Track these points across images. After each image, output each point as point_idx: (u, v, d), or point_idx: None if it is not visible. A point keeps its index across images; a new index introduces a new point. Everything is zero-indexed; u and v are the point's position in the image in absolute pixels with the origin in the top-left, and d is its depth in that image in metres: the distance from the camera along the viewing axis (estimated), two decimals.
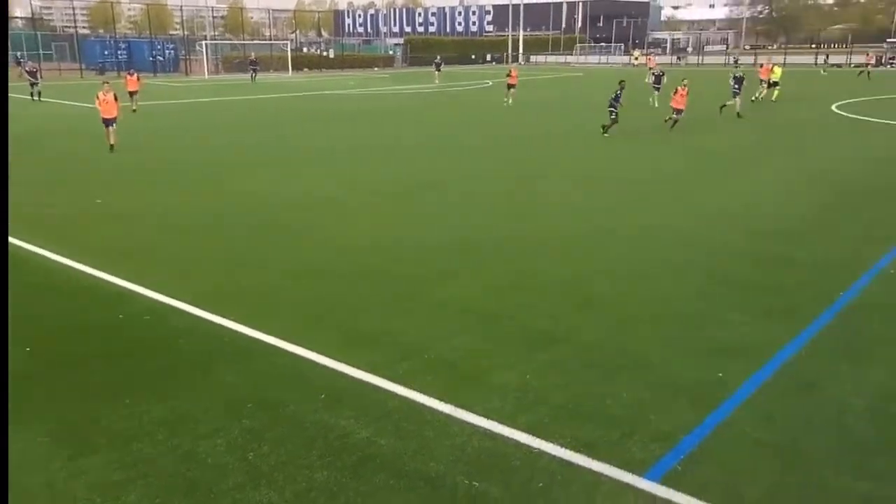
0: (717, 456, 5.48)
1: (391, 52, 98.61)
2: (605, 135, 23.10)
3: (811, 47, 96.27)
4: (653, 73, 34.81)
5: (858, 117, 28.32)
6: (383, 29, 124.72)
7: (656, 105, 30.61)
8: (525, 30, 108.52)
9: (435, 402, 6.22)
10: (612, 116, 23.15)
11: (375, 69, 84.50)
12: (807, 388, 6.53)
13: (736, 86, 28.02)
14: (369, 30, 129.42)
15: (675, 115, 24.27)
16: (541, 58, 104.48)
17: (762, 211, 13.35)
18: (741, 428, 5.86)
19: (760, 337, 7.62)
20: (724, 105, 28.61)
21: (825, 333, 7.71)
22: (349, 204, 14.21)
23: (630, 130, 23.76)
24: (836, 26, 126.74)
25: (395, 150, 21.48)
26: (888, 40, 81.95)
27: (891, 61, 71.34)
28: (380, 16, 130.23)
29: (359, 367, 6.86)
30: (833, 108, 31.79)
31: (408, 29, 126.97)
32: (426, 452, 5.50)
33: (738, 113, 27.88)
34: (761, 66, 36.39)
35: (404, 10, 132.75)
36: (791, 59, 78.71)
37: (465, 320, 8.15)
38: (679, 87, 24.22)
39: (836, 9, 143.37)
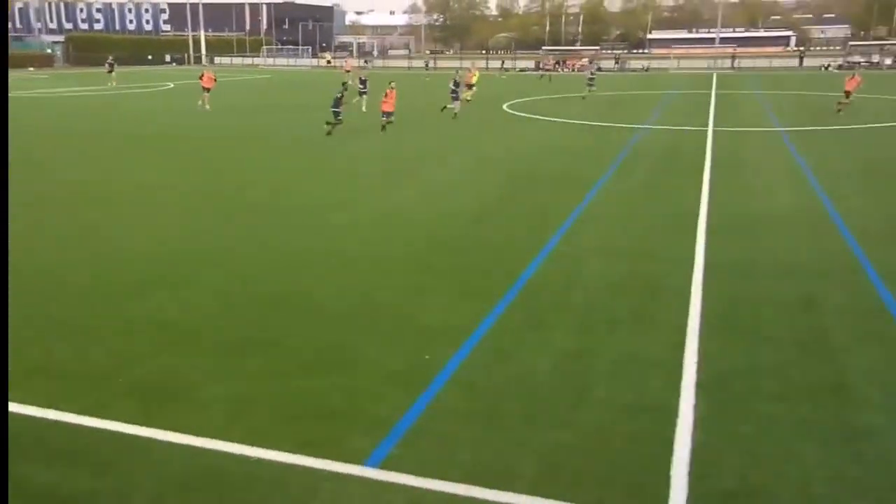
0: (430, 432, 5.79)
1: (50, 51, 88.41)
2: (329, 134, 23.44)
3: (482, 53, 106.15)
4: (360, 78, 34.74)
5: (524, 115, 31.74)
6: (36, 24, 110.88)
7: (364, 109, 31.08)
8: (207, 30, 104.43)
9: (134, 429, 5.74)
10: (338, 117, 23.78)
11: (31, 69, 75.03)
12: (502, 358, 7.17)
13: (455, 89, 30.11)
14: (18, 25, 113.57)
15: (385, 119, 25.08)
16: (226, 59, 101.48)
17: (451, 200, 14.37)
18: (449, 402, 6.26)
19: (460, 316, 8.20)
20: (445, 107, 30.43)
21: (512, 308, 8.53)
22: None
23: (347, 130, 24.09)
24: (502, 34, 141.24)
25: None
26: (543, 48, 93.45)
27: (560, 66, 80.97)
28: (31, 9, 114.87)
29: (37, 405, 6.07)
30: (504, 107, 35.26)
31: (68, 25, 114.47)
32: (128, 485, 5.04)
33: (455, 114, 29.72)
34: (467, 70, 38.97)
35: (62, 5, 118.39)
36: (467, 63, 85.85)
37: (162, 337, 7.64)
38: (388, 90, 25.21)
39: (500, 19, 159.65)
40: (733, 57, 74.74)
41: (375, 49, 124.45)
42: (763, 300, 8.64)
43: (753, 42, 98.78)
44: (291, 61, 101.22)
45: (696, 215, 12.78)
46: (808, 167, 17.40)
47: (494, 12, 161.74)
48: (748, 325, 7.92)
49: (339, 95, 24.02)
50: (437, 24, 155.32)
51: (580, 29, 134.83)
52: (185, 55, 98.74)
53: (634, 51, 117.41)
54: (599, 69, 62.47)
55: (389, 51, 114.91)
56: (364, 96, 32.49)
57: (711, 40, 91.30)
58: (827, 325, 7.86)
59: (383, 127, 25.01)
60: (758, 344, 7.41)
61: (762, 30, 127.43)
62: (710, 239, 11.27)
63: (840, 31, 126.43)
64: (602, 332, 7.78)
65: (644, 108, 33.96)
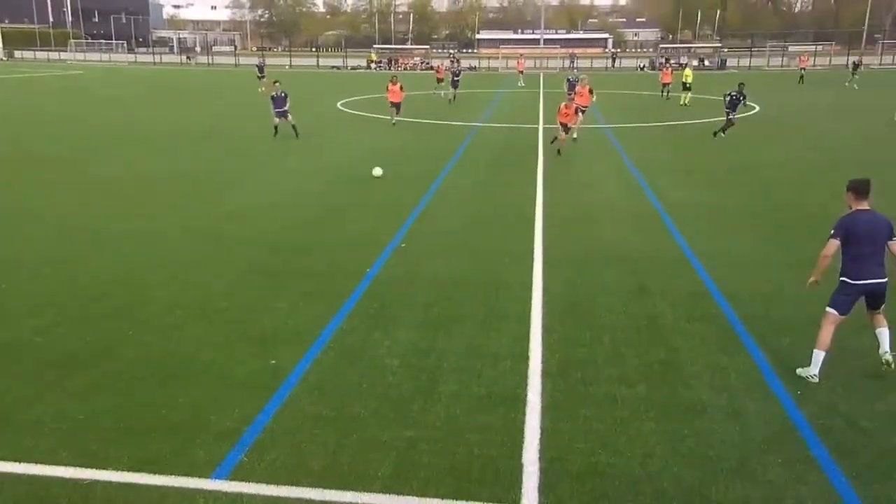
0: (281, 439, 5.56)
1: None
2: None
3: (311, 51, 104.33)
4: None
5: (359, 113, 31.57)
6: None
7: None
8: (2, 20, 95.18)
9: None
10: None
11: None
12: (351, 358, 7.04)
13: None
14: None
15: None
16: (28, 53, 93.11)
17: (290, 203, 13.98)
18: (299, 407, 6.05)
19: (305, 319, 7.96)
20: None
21: (359, 307, 8.40)
22: None
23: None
24: (331, 32, 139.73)
25: None
26: (374, 46, 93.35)
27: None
28: None
29: None
30: (338, 105, 34.90)
31: None
32: None
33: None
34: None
35: None
36: (297, 61, 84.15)
37: None
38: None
39: (328, 16, 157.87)
40: (572, 57, 78.23)
41: (198, 45, 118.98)
42: (600, 289, 9.08)
43: (574, 43, 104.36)
44: (105, 56, 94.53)
45: (533, 209, 13.25)
46: (631, 162, 18.57)
47: (322, 9, 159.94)
48: (587, 313, 8.28)
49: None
50: (262, 20, 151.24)
51: (411, 27, 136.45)
52: None
53: (464, 50, 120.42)
54: (470, 69, 62.96)
55: (213, 47, 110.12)
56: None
57: (536, 41, 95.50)
58: (658, 310, 8.38)
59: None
60: (597, 331, 7.76)
61: (581, 32, 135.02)
62: (548, 232, 11.71)
63: (651, 34, 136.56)
64: (448, 327, 7.84)
65: (478, 106, 34.84)
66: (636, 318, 8.12)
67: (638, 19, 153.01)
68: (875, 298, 6.63)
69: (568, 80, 32.94)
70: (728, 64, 75.91)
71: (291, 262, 10.20)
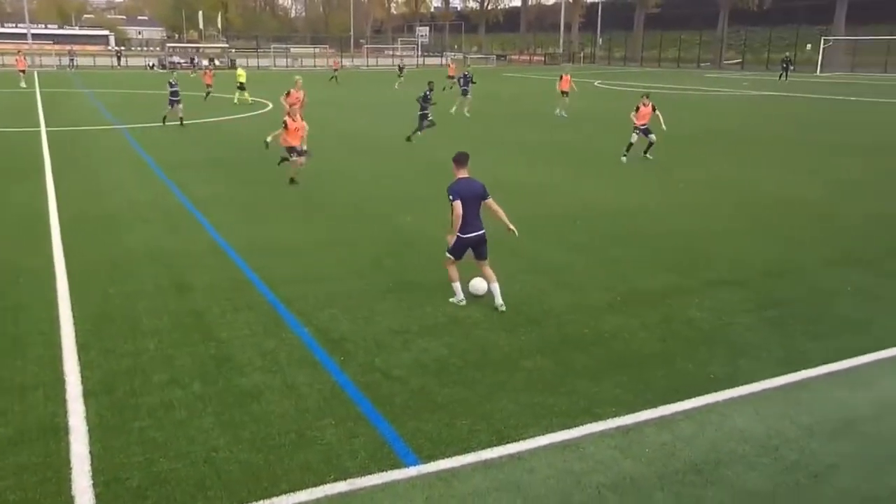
0: None
1: None
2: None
3: None
4: None
5: None
6: None
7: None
8: None
9: None
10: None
11: None
12: None
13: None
14: None
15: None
16: None
17: None
18: None
19: None
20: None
21: None
22: None
23: None
24: None
25: None
26: None
27: None
28: None
29: None
30: None
31: None
32: None
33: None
34: None
35: None
36: None
37: None
38: None
39: None
40: (71, 54, 70.66)
41: None
42: (137, 294, 8.56)
43: (71, 40, 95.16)
44: None
45: (47, 219, 11.90)
46: (153, 161, 17.82)
47: None
48: (127, 321, 7.75)
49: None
50: None
51: None
52: None
53: None
54: None
55: None
56: None
57: (23, 35, 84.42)
58: (202, 305, 8.25)
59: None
60: (140, 337, 7.33)
61: (78, 28, 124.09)
62: (68, 242, 10.63)
63: (156, 33, 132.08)
64: None
65: None
66: (180, 317, 7.88)
67: (140, 17, 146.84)
68: (478, 248, 8.09)
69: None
70: (238, 63, 77.87)
71: None
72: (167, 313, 7.99)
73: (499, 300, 8.14)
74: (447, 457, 5.29)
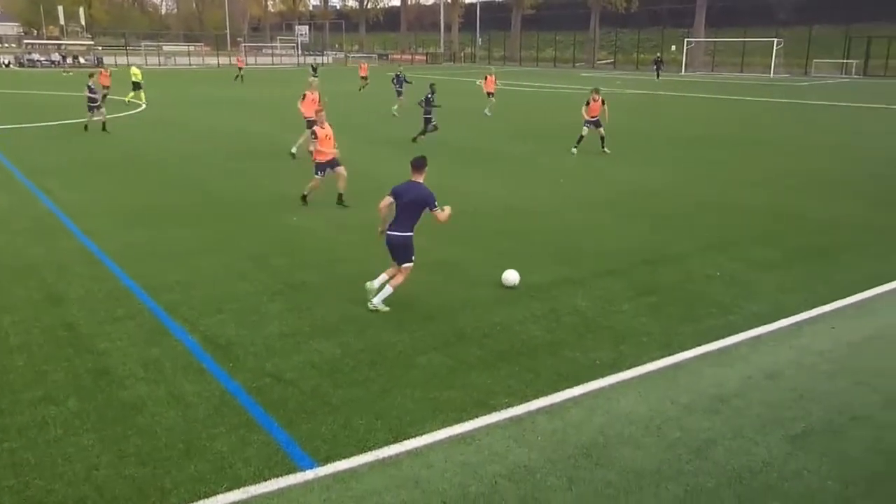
0: None
1: None
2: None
3: None
4: None
5: None
6: None
7: None
8: None
9: None
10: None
11: None
12: None
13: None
14: None
15: None
16: None
17: None
18: None
19: None
20: None
21: None
22: None
23: None
24: None
25: None
26: None
27: None
28: None
29: None
30: None
31: None
32: None
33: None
34: None
35: None
36: None
37: None
38: None
39: None
40: None
41: None
42: (2, 308, 7.97)
43: None
44: None
45: None
46: (14, 166, 16.64)
47: None
48: None
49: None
50: None
51: None
52: None
53: None
54: None
55: None
56: None
57: None
58: (77, 317, 7.78)
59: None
60: (7, 354, 6.84)
61: None
62: None
63: (11, 28, 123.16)
64: None
65: None
66: (53, 331, 7.41)
67: None
68: (392, 250, 8.04)
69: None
70: (106, 62, 73.92)
71: None
72: (38, 327, 7.49)
73: (376, 300, 8.01)
74: (344, 457, 5.24)
